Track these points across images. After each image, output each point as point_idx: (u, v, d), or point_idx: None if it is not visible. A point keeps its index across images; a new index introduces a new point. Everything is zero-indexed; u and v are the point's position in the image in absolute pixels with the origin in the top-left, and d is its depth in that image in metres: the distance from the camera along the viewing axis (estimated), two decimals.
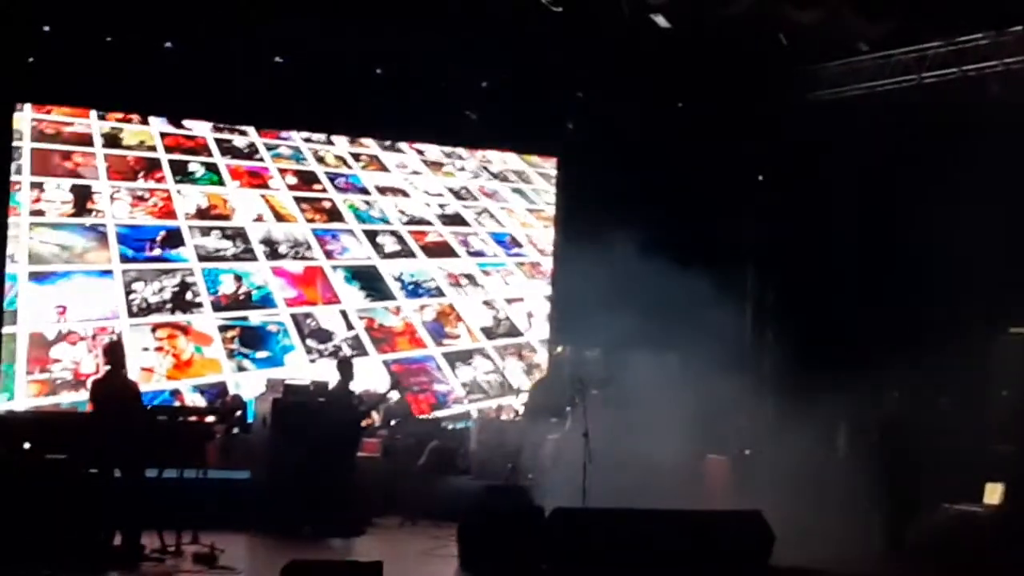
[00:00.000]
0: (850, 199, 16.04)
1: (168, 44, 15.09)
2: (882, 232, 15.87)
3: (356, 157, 17.63)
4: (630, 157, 16.85)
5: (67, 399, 14.99)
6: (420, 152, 17.89)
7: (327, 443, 13.85)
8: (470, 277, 17.78)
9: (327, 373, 14.94)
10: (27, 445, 12.14)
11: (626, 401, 14.62)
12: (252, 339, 16.26)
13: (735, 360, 15.09)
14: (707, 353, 14.26)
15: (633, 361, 14.64)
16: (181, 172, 16.38)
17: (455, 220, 18.03)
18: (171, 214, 16.20)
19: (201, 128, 16.60)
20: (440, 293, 17.52)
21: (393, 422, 15.94)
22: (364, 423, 14.78)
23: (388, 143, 17.68)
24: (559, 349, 16.07)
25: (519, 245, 18.18)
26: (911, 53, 15.56)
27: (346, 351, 16.37)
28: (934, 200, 14.73)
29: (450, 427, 16.85)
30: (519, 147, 17.83)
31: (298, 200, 17.05)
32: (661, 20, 14.41)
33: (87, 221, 15.64)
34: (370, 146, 17.72)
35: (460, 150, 18.03)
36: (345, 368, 14.52)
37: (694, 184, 16.68)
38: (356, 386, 14.59)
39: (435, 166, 18.04)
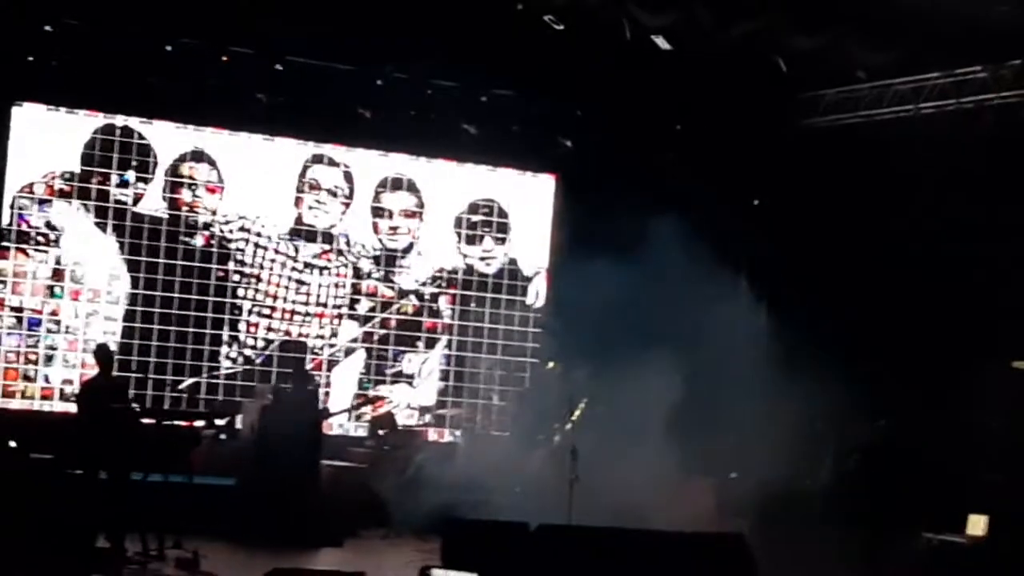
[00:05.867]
0: (847, 225, 16.07)
1: (169, 47, 15.19)
2: (878, 259, 15.89)
3: None
4: (627, 177, 16.87)
5: None
6: None
7: (292, 448, 14.01)
8: None
9: None
10: (12, 444, 12.17)
11: (615, 420, 14.61)
12: None
13: (725, 382, 15.09)
14: (698, 375, 14.28)
15: (623, 380, 14.63)
16: None
17: None
18: None
19: None
20: None
21: (380, 432, 15.97)
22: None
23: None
24: (550, 365, 16.08)
25: None
26: (909, 83, 15.61)
27: None
28: (931, 230, 14.77)
29: (438, 440, 16.90)
30: (517, 163, 17.88)
31: None
32: (662, 42, 14.45)
33: None
34: None
35: None
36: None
37: (690, 206, 16.69)
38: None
39: None
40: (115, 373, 13.39)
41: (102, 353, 12.99)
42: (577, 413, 14.73)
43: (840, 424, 14.65)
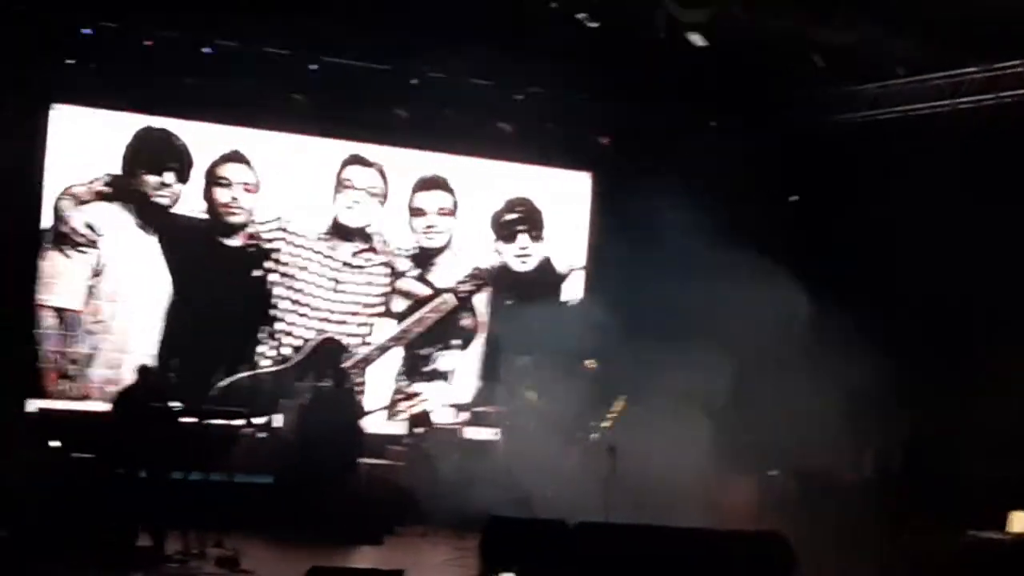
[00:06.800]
0: (886, 220, 15.99)
1: (207, 50, 15.29)
2: (917, 254, 15.78)
3: None
4: (663, 174, 16.84)
5: None
6: None
7: (331, 446, 14.10)
8: None
9: None
10: (54, 444, 12.26)
11: (654, 418, 14.60)
12: None
13: (765, 379, 15.05)
14: (737, 372, 14.24)
15: (661, 378, 14.62)
16: None
17: None
18: None
19: None
20: None
21: (418, 430, 16.02)
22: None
23: None
24: (588, 362, 16.07)
25: None
26: (947, 78, 15.52)
27: None
28: (971, 224, 14.68)
29: (475, 438, 16.91)
30: (552, 161, 17.89)
31: None
32: (697, 38, 14.41)
33: None
34: None
35: None
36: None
37: (726, 203, 16.66)
38: None
39: None
40: (154, 374, 13.52)
41: (143, 371, 13.19)
42: (615, 410, 14.72)
43: (881, 421, 14.56)
